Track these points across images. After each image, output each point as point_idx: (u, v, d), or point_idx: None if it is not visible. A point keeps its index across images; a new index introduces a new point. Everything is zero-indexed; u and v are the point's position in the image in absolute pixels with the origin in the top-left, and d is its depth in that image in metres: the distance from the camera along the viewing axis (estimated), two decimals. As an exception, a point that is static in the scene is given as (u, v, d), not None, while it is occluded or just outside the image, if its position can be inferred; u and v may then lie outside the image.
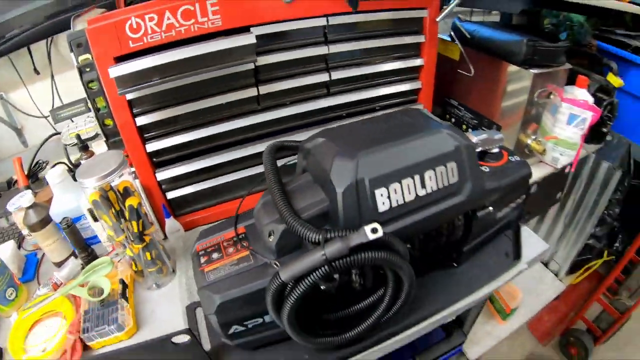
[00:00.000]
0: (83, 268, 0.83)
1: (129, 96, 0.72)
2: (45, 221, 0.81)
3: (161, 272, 0.77)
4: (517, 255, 0.75)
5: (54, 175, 0.83)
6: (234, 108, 0.80)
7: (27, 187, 1.03)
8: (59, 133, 1.26)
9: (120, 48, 0.67)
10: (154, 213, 0.87)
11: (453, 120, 1.19)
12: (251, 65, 0.75)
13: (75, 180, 0.68)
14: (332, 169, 0.49)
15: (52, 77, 1.26)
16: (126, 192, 0.69)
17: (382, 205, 0.50)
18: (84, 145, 0.96)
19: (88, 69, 0.77)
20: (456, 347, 1.13)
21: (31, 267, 0.90)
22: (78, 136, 0.97)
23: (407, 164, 0.51)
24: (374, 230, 0.41)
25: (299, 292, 0.44)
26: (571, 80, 0.97)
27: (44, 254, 0.92)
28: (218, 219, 0.65)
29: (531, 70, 0.89)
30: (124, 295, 0.73)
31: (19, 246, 0.97)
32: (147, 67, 0.66)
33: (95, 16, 0.80)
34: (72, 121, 1.17)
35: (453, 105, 1.15)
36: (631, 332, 1.57)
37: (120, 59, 0.67)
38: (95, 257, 0.85)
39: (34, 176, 1.18)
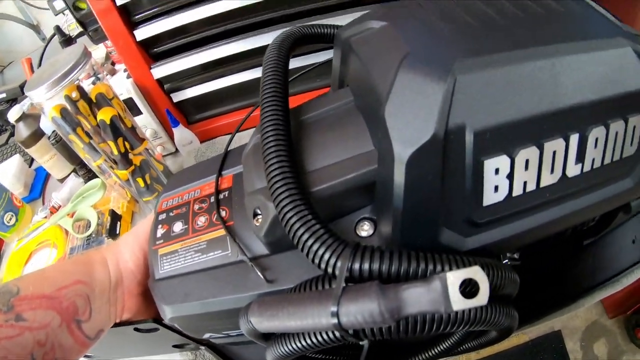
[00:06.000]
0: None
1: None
2: (37, 134, 0.72)
3: (162, 200, 0.64)
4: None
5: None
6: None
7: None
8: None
9: None
10: (160, 122, 0.70)
11: None
12: None
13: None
14: (391, 96, 0.21)
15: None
16: (101, 102, 0.52)
17: (494, 192, 0.22)
18: (66, 39, 0.77)
19: None
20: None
21: (39, 184, 0.82)
22: (58, 28, 0.76)
23: (558, 106, 0.22)
24: (469, 290, 0.16)
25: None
26: None
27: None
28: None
29: None
30: (112, 232, 0.61)
31: (32, 161, 0.87)
32: None
33: None
34: (65, 14, 0.94)
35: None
36: None
37: None
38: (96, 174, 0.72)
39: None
